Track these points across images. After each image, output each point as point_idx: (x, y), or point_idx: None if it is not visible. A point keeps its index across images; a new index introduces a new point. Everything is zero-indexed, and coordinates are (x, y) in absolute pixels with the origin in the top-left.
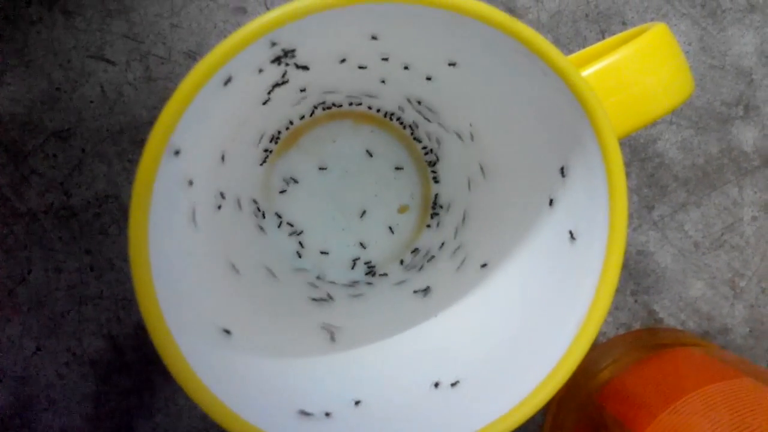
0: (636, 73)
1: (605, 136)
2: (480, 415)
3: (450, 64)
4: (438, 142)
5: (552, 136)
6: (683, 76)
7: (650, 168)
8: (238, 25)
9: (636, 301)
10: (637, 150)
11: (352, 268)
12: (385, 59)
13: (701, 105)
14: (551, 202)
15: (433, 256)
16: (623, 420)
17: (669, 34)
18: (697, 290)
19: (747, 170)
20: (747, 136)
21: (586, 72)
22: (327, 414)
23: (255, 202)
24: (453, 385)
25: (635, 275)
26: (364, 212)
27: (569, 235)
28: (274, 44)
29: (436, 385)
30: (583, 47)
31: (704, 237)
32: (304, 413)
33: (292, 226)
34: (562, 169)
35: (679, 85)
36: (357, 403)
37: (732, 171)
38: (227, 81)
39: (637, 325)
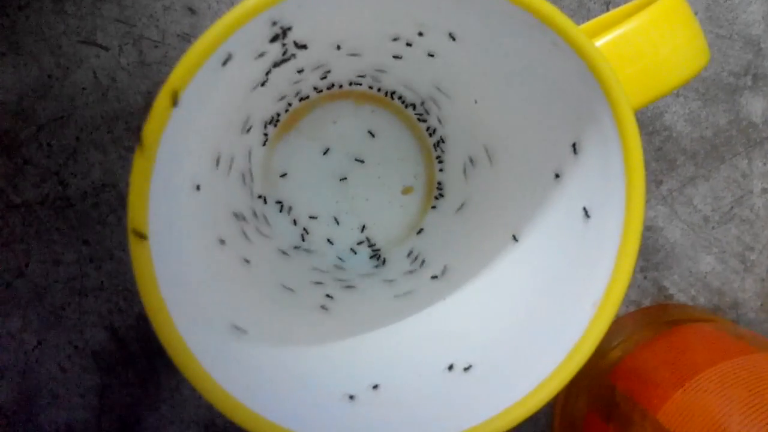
0: (650, 42)
1: (621, 109)
2: (494, 400)
3: (452, 38)
4: (441, 120)
5: (563, 111)
6: (698, 43)
7: (657, 142)
8: (232, 4)
9: (645, 277)
10: (644, 123)
11: (356, 252)
12: (388, 36)
13: (708, 76)
14: (560, 177)
15: (439, 238)
16: (636, 399)
17: (682, 1)
18: (707, 265)
19: (756, 141)
20: (756, 106)
21: (599, 42)
22: (350, 397)
23: (247, 173)
24: (466, 369)
25: (644, 251)
26: (367, 195)
27: (583, 213)
28: (273, 22)
29: (450, 368)
30: (587, 19)
31: (713, 211)
32: (319, 401)
33: (292, 209)
34: (574, 145)
35: (695, 53)
36: (375, 387)
37: (741, 143)
38: (226, 60)
39: (647, 302)
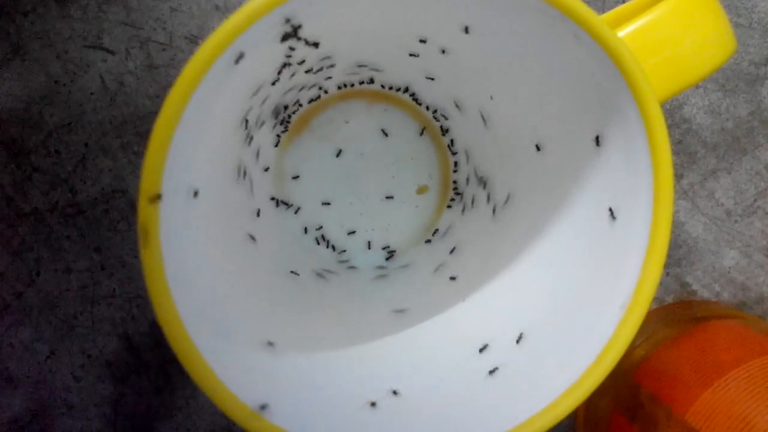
0: (675, 32)
1: (646, 101)
2: (521, 405)
3: (466, 31)
4: (455, 118)
5: (584, 104)
6: (725, 32)
7: (677, 134)
8: (240, 4)
9: (668, 273)
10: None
11: (371, 254)
12: (401, 32)
13: (728, 66)
14: (582, 172)
15: (456, 238)
16: (661, 397)
17: None
18: (730, 260)
19: None
20: None
21: (621, 33)
22: (372, 404)
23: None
24: (491, 372)
25: None
26: (381, 195)
27: (609, 212)
28: (286, 19)
29: (475, 370)
30: (603, 11)
31: (736, 204)
32: (340, 408)
33: (305, 213)
34: (597, 139)
35: (721, 41)
36: (395, 393)
37: (763, 134)
38: (239, 58)
39: (670, 299)
